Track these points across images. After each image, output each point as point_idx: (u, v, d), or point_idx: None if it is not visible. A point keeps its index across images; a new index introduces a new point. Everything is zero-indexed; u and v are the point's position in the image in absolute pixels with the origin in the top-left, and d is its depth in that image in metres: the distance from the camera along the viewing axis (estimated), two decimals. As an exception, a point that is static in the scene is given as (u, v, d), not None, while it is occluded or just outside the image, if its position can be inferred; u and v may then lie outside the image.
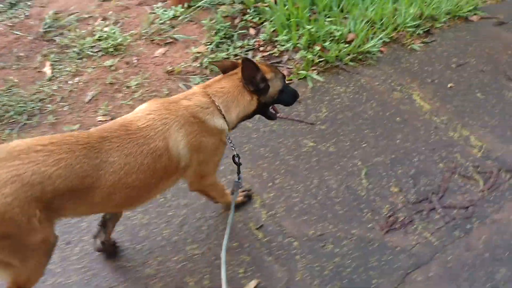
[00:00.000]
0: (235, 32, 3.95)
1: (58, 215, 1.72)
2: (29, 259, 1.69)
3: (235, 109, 2.05)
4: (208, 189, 2.30)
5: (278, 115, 2.37)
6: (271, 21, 3.98)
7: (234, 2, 4.28)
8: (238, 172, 2.28)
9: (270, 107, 2.26)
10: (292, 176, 2.81)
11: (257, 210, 2.62)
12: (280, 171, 2.84)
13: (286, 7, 4.01)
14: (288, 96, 2.27)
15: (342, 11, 4.18)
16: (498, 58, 3.94)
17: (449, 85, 3.60)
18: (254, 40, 3.91)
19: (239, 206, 2.58)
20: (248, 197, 2.65)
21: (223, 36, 3.89)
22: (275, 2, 4.12)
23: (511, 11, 4.62)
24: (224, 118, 2.02)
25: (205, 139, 1.96)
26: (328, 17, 4.05)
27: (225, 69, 2.15)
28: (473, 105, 3.43)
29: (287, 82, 2.46)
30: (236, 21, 4.13)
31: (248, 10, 4.18)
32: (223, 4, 4.26)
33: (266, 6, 4.09)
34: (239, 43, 3.84)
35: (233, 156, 2.26)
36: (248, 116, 2.16)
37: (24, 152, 1.58)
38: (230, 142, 2.14)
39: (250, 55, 3.77)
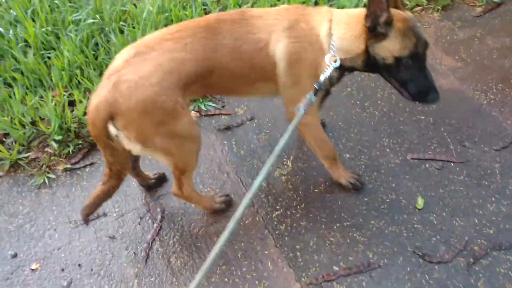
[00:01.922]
0: None
1: (189, 100, 1.89)
2: (183, 146, 1.86)
3: (343, 32, 1.87)
4: (303, 129, 2.11)
5: None
6: None
7: None
8: (315, 93, 1.83)
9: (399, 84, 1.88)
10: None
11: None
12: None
13: None
14: (412, 79, 1.84)
15: None
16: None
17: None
18: None
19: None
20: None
21: None
22: None
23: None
24: (331, 38, 1.87)
25: (303, 50, 1.88)
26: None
27: None
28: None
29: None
30: None
31: None
32: None
33: None
34: None
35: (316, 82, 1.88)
36: (353, 61, 1.90)
37: (158, 43, 1.73)
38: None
39: None
